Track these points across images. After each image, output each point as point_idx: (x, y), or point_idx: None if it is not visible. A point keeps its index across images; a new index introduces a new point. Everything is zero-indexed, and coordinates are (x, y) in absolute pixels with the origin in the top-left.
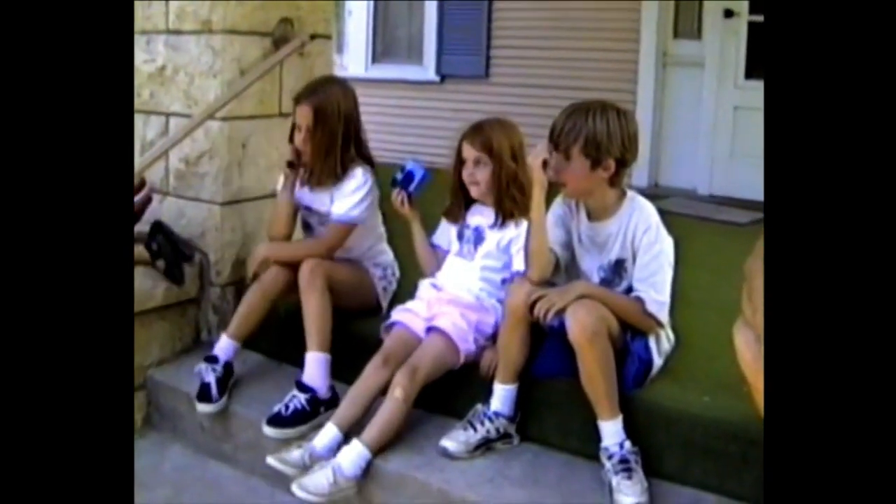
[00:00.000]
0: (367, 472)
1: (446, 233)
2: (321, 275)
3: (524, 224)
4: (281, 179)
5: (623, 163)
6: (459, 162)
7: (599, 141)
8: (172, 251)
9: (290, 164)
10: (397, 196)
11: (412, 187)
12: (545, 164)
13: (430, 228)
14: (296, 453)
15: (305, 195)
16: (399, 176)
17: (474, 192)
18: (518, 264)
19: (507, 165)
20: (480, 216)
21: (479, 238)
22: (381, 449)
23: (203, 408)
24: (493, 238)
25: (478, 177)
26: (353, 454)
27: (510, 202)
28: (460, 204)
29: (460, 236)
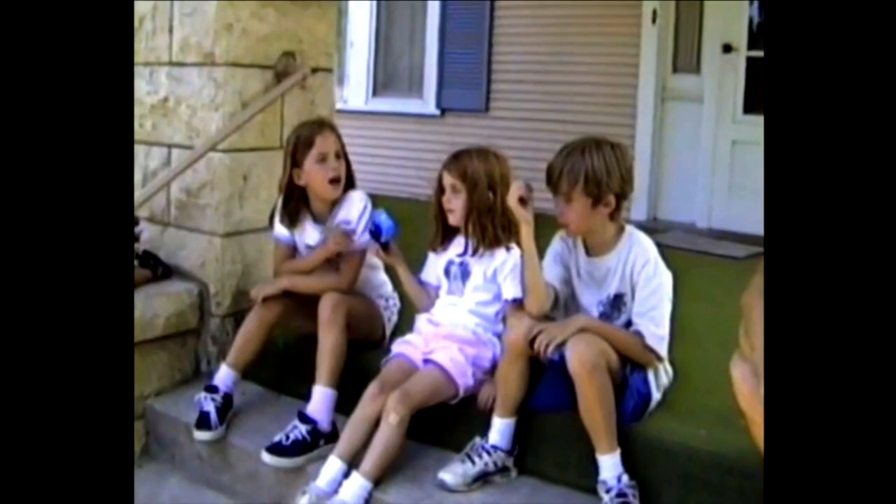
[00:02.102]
0: None
1: (433, 268)
2: (343, 312)
3: (510, 252)
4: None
5: (622, 196)
6: (440, 190)
7: (599, 178)
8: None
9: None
10: (372, 249)
11: (383, 239)
12: (522, 201)
13: (421, 261)
14: (302, 500)
15: (306, 235)
16: (371, 228)
17: (451, 219)
18: (507, 292)
19: (481, 193)
20: (462, 248)
21: (465, 273)
22: (381, 477)
23: (201, 435)
24: (478, 271)
25: (453, 204)
26: (355, 487)
27: (483, 230)
28: (441, 232)
29: (447, 273)
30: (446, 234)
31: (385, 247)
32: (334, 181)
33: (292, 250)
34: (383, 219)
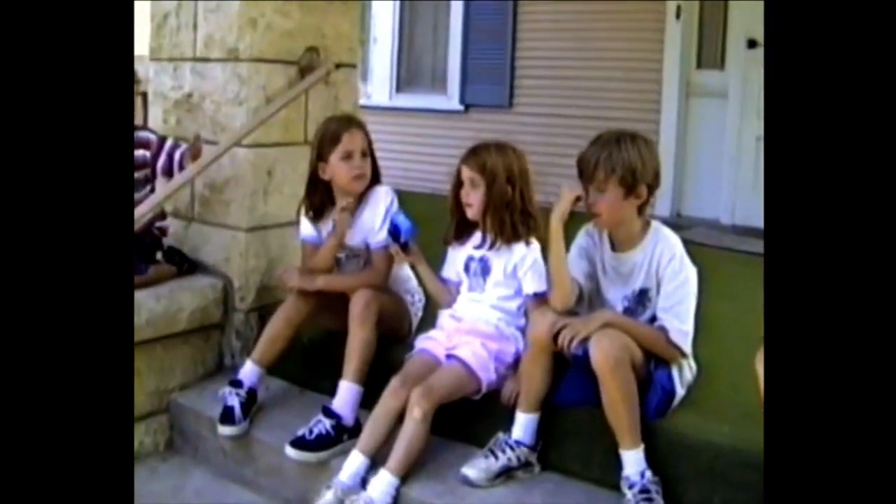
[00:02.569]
0: (397, 501)
1: (453, 265)
2: (376, 309)
3: (530, 247)
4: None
5: (652, 190)
6: (458, 184)
7: (635, 168)
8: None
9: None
10: (391, 248)
11: (402, 239)
12: (578, 199)
13: (443, 257)
14: (328, 495)
15: (329, 226)
16: (390, 229)
17: (469, 213)
18: (528, 286)
19: (500, 187)
20: (479, 242)
21: (485, 269)
22: (408, 472)
23: (225, 430)
24: (498, 266)
25: (471, 198)
26: (382, 485)
27: (501, 224)
28: (459, 227)
29: (467, 269)
30: (464, 229)
31: (405, 247)
32: (358, 178)
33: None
34: (401, 220)
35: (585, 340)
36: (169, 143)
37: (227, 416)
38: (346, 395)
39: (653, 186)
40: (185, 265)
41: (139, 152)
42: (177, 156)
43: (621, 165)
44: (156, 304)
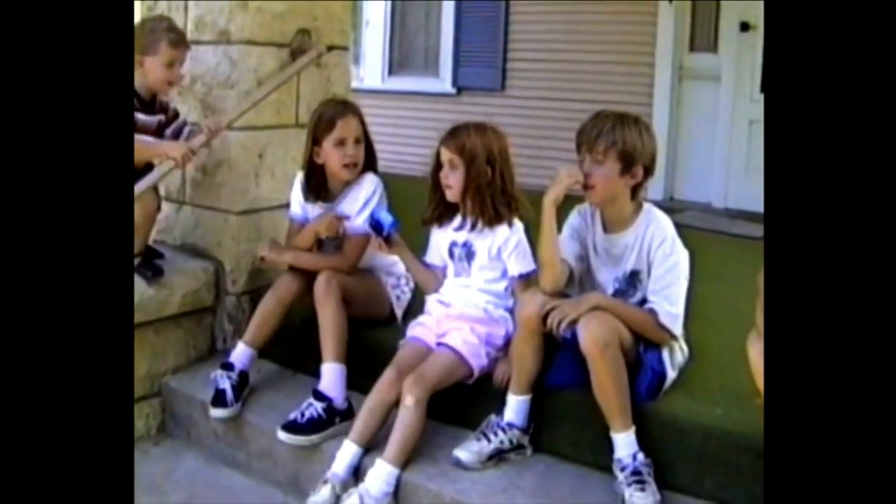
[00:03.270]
0: (396, 490)
1: (436, 249)
2: (336, 287)
3: (512, 228)
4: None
5: (648, 172)
6: (438, 166)
7: (634, 146)
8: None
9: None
10: (375, 241)
11: (385, 233)
12: (576, 182)
13: (421, 239)
14: (324, 490)
15: (314, 210)
16: (373, 224)
17: (448, 195)
18: (513, 268)
19: (479, 168)
20: (459, 224)
21: (470, 254)
22: (407, 461)
23: (217, 413)
24: (482, 250)
25: (451, 179)
26: (382, 475)
27: (482, 206)
28: (438, 209)
29: (451, 254)
30: (444, 211)
31: (387, 240)
32: (349, 165)
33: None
34: (383, 215)
35: (574, 323)
36: (180, 120)
37: (218, 399)
38: (330, 375)
39: (649, 170)
40: (150, 273)
41: (155, 118)
42: (184, 134)
43: (622, 140)
44: (147, 288)
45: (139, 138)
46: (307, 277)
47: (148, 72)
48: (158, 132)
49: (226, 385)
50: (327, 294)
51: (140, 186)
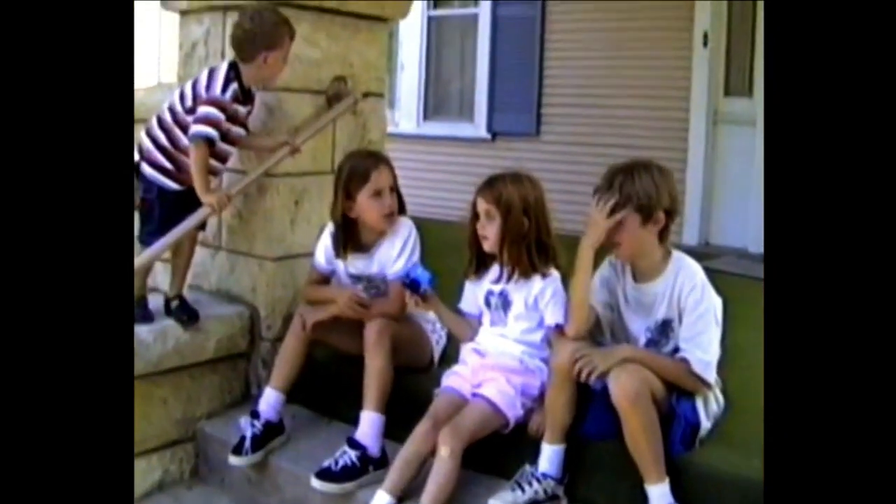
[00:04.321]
0: None
1: (471, 298)
2: (389, 336)
3: (548, 279)
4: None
5: (671, 215)
6: (474, 216)
7: (650, 195)
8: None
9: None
10: (410, 299)
11: (421, 290)
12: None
13: (457, 285)
14: None
15: (349, 262)
16: (408, 282)
17: (485, 245)
18: (550, 318)
19: (516, 219)
20: (497, 275)
21: (506, 303)
22: None
23: (233, 460)
24: (518, 300)
25: (487, 230)
26: None
27: (518, 257)
28: (476, 259)
29: (488, 303)
30: (481, 262)
31: (423, 296)
32: (388, 216)
33: (325, 279)
34: (419, 272)
35: (604, 375)
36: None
37: (238, 447)
38: (368, 424)
39: (671, 212)
40: (185, 317)
41: (246, 108)
42: None
43: (636, 193)
44: (182, 332)
45: (200, 162)
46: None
47: (270, 66)
48: (245, 122)
49: (248, 433)
50: (379, 343)
51: (177, 231)
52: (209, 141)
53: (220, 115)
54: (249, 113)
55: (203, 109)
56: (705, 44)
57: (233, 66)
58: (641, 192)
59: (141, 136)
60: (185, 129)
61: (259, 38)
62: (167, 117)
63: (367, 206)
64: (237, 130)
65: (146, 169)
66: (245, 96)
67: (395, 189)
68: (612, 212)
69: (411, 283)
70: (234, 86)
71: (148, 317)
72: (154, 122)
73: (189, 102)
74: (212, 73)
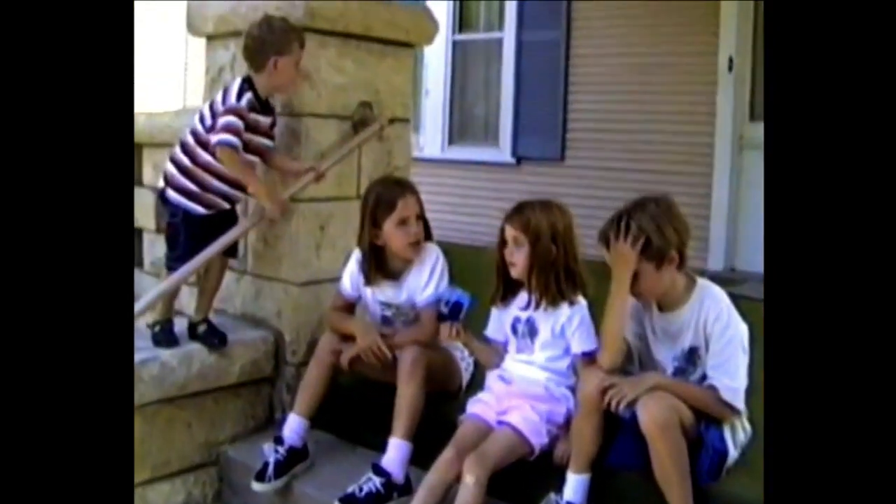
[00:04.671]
0: None
1: (498, 325)
2: (423, 365)
3: (575, 307)
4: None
5: (682, 247)
6: (502, 243)
7: (655, 243)
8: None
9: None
10: (452, 329)
11: (462, 316)
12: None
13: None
14: None
15: (379, 290)
16: (446, 310)
17: (513, 272)
18: (576, 346)
19: (544, 246)
20: (525, 302)
21: (533, 331)
22: None
23: (256, 486)
24: (545, 327)
25: (515, 257)
26: None
27: (546, 284)
28: (503, 286)
29: (514, 330)
30: (508, 288)
31: (457, 329)
32: (414, 244)
33: (351, 306)
34: (460, 294)
35: (633, 403)
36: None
37: (260, 473)
38: (395, 452)
39: (683, 244)
40: (215, 340)
41: (269, 119)
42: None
43: (641, 243)
44: (207, 356)
45: (249, 167)
46: (342, 335)
47: (281, 72)
48: (269, 133)
49: (271, 459)
50: (414, 372)
51: (205, 255)
52: (233, 148)
53: (239, 123)
54: (273, 125)
55: (222, 120)
56: (730, 69)
57: (246, 79)
58: (650, 241)
59: (165, 164)
60: (206, 147)
61: (267, 44)
62: (189, 140)
63: (392, 235)
64: (259, 140)
65: (171, 194)
66: (263, 107)
67: (421, 217)
68: (635, 238)
69: (452, 307)
70: (248, 95)
71: (173, 340)
72: (177, 147)
73: (209, 121)
74: (227, 89)
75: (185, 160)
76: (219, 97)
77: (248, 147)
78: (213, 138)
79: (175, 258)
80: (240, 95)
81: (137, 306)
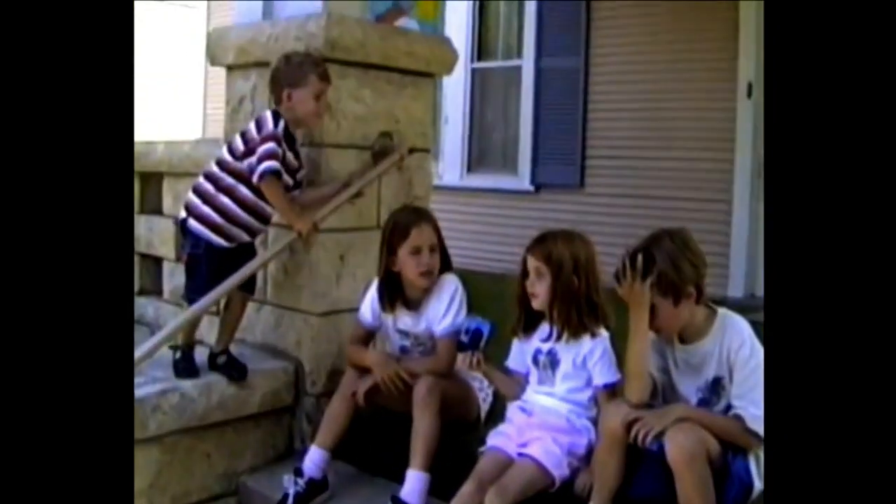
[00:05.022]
0: None
1: (519, 356)
2: (438, 394)
3: (597, 339)
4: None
5: (700, 280)
6: (524, 274)
7: (671, 280)
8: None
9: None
10: (472, 358)
11: (482, 344)
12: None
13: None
14: None
15: (398, 319)
16: (466, 339)
17: (534, 303)
18: (598, 378)
19: (566, 278)
20: (546, 334)
21: (554, 362)
22: None
23: None
24: (567, 359)
25: (537, 288)
26: None
27: (567, 316)
28: (524, 317)
29: (535, 362)
30: (530, 319)
31: (477, 359)
32: (425, 274)
33: (370, 335)
34: (480, 321)
35: (660, 435)
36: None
37: None
38: (413, 483)
39: (700, 278)
40: (234, 373)
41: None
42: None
43: (657, 283)
44: (227, 387)
45: (281, 193)
46: (362, 370)
47: (296, 104)
48: (296, 173)
49: (290, 491)
50: (429, 401)
51: (226, 286)
52: (277, 174)
53: (279, 150)
54: (300, 168)
55: (262, 147)
56: (749, 94)
57: (274, 111)
58: (663, 280)
59: (188, 194)
60: (234, 174)
61: (282, 76)
62: (215, 170)
63: (406, 262)
64: (287, 180)
65: (194, 225)
66: (290, 140)
67: (437, 247)
68: (645, 270)
69: (473, 335)
70: (282, 122)
71: (193, 371)
72: (201, 178)
73: (240, 150)
74: (259, 118)
75: (211, 189)
76: (252, 126)
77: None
78: (257, 169)
79: (194, 289)
80: (276, 122)
81: (156, 338)
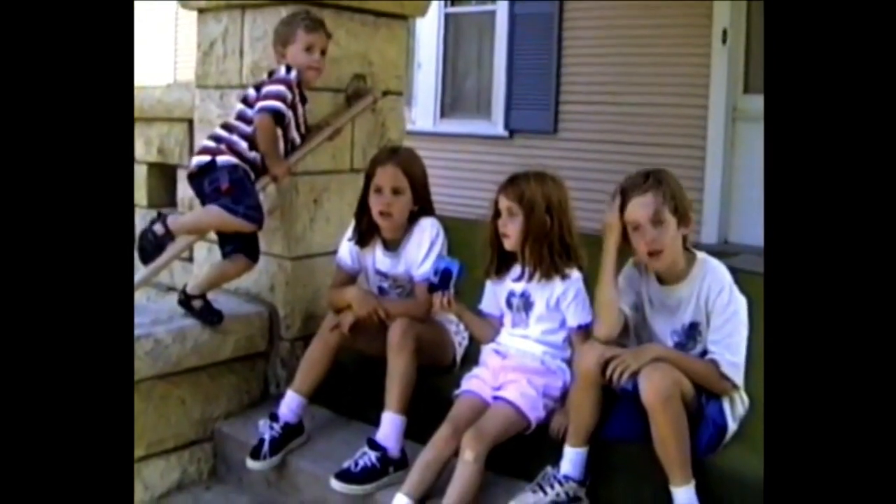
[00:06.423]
0: None
1: (493, 298)
2: (413, 337)
3: (570, 280)
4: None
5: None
6: (496, 214)
7: (682, 197)
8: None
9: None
10: (442, 298)
11: (452, 284)
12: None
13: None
14: None
15: (376, 260)
16: (435, 279)
17: (506, 244)
18: (572, 319)
19: (538, 218)
20: (518, 274)
21: (528, 304)
22: None
23: (251, 464)
24: (540, 301)
25: (509, 228)
26: None
27: (539, 256)
28: (496, 258)
29: (509, 304)
30: (502, 261)
31: (449, 300)
32: (383, 214)
33: (351, 280)
34: (449, 261)
35: (635, 374)
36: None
37: (255, 450)
38: (389, 426)
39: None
40: (213, 318)
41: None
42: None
43: (671, 197)
44: (201, 332)
45: (273, 135)
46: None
47: (291, 61)
48: (300, 126)
49: (266, 436)
50: (403, 344)
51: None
52: (276, 116)
53: (288, 93)
54: (305, 123)
55: (271, 87)
56: (724, 41)
57: (287, 65)
58: (675, 195)
59: (203, 142)
60: (250, 122)
61: (275, 37)
62: (232, 121)
63: (371, 200)
64: (293, 135)
65: (223, 159)
66: (302, 97)
67: (407, 190)
68: (622, 211)
69: (442, 274)
70: (295, 72)
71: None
72: (218, 129)
73: (254, 98)
74: (272, 71)
75: (225, 133)
76: (265, 76)
77: (287, 127)
78: (258, 105)
79: (252, 206)
80: (288, 70)
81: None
